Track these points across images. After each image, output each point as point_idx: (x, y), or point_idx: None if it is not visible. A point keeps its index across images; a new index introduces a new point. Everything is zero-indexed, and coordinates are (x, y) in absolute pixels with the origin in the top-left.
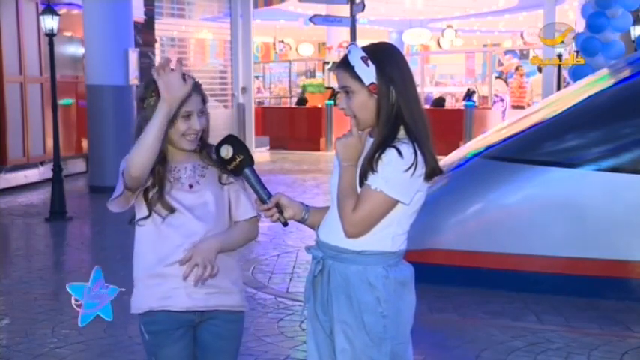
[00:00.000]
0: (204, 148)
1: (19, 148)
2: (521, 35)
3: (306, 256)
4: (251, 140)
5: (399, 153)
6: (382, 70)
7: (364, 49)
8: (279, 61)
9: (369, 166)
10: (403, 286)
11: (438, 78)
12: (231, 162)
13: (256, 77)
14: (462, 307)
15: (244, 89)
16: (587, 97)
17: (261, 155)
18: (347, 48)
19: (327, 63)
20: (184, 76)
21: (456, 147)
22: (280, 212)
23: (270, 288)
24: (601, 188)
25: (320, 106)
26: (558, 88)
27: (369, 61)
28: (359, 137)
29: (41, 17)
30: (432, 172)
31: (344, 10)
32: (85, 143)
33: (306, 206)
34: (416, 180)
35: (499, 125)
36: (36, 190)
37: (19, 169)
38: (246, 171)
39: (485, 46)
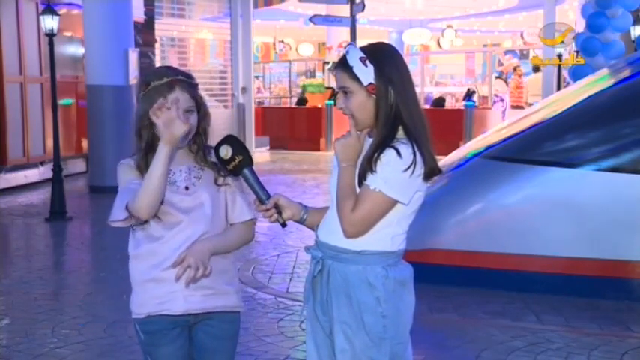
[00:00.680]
0: (200, 149)
1: (19, 148)
2: (521, 35)
3: (306, 256)
4: (251, 140)
5: (398, 153)
6: (381, 70)
7: (363, 49)
8: (279, 61)
9: (368, 166)
10: (403, 286)
11: (438, 78)
12: (231, 162)
13: (256, 77)
14: (462, 307)
15: (244, 89)
16: (587, 97)
17: (261, 155)
18: (345, 48)
19: (327, 63)
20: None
21: (456, 147)
22: (279, 213)
23: (270, 288)
24: (601, 188)
25: (320, 106)
26: (558, 88)
27: (368, 62)
28: (358, 137)
29: (41, 17)
30: (431, 172)
31: (344, 10)
32: (85, 143)
33: (305, 207)
34: (415, 180)
35: (499, 125)
36: (36, 190)
37: (19, 169)
38: (246, 171)
39: (485, 46)
